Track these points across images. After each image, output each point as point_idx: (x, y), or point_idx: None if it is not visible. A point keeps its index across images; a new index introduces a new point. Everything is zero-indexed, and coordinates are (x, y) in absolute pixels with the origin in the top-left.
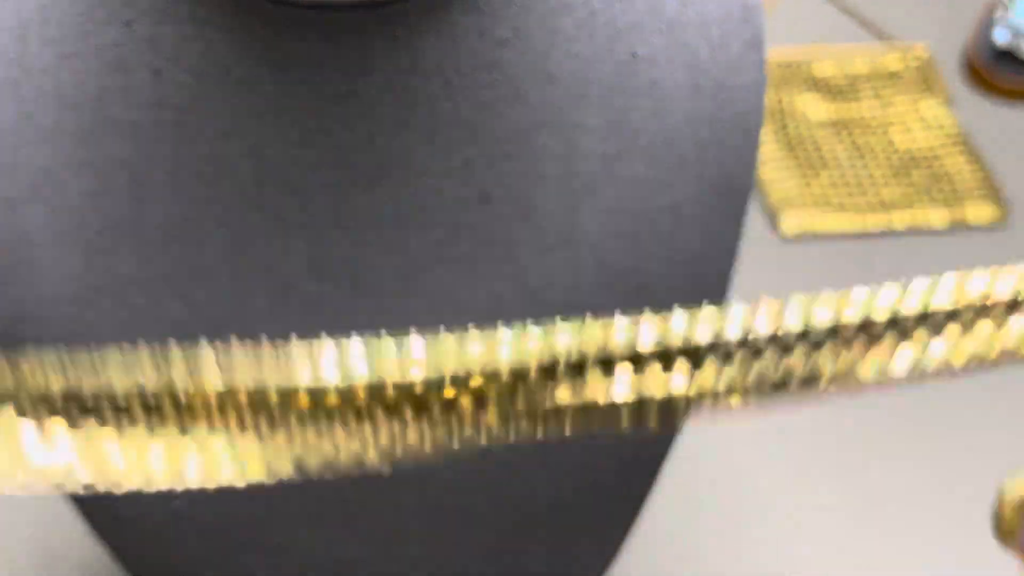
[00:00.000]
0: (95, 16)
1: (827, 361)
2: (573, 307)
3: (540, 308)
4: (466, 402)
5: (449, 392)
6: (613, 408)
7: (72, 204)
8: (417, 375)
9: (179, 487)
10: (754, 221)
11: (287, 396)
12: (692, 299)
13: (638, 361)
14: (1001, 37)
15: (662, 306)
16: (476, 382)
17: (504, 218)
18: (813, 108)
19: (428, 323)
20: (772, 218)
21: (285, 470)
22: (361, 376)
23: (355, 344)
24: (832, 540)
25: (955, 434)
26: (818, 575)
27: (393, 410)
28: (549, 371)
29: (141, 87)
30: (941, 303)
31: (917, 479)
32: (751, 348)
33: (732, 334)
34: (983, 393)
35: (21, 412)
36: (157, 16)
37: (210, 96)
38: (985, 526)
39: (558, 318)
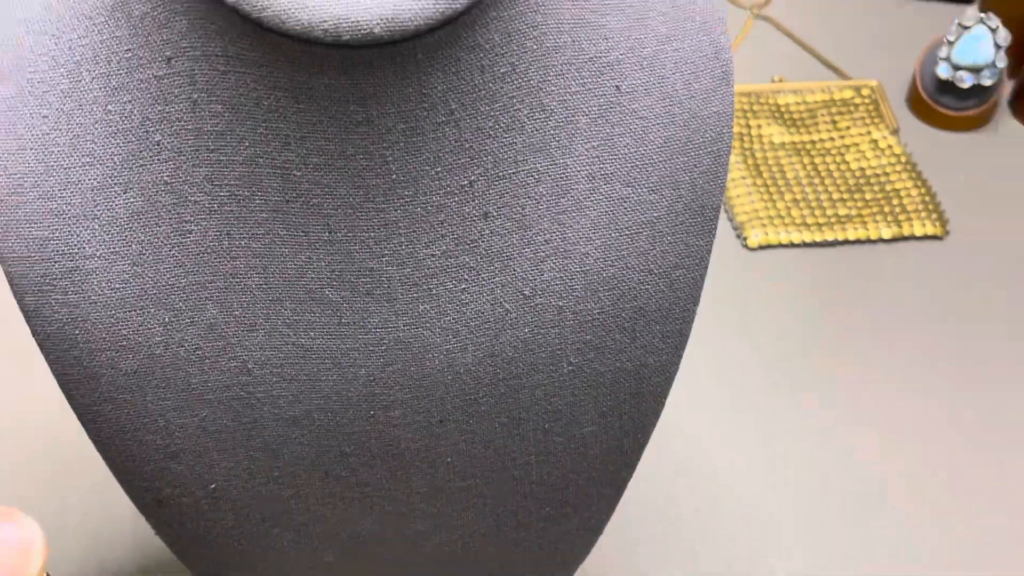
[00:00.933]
0: (139, 54)
1: None
2: (562, 311)
3: (533, 312)
4: None
5: None
6: None
7: (120, 220)
8: None
9: None
10: (723, 235)
11: None
12: (667, 305)
13: None
14: (943, 71)
15: (640, 311)
16: None
17: (502, 233)
18: (776, 135)
19: (435, 326)
20: (739, 232)
21: None
22: None
23: None
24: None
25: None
26: (796, 567)
27: None
28: None
29: (180, 116)
30: None
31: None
32: None
33: None
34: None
35: None
36: (194, 54)
37: (242, 124)
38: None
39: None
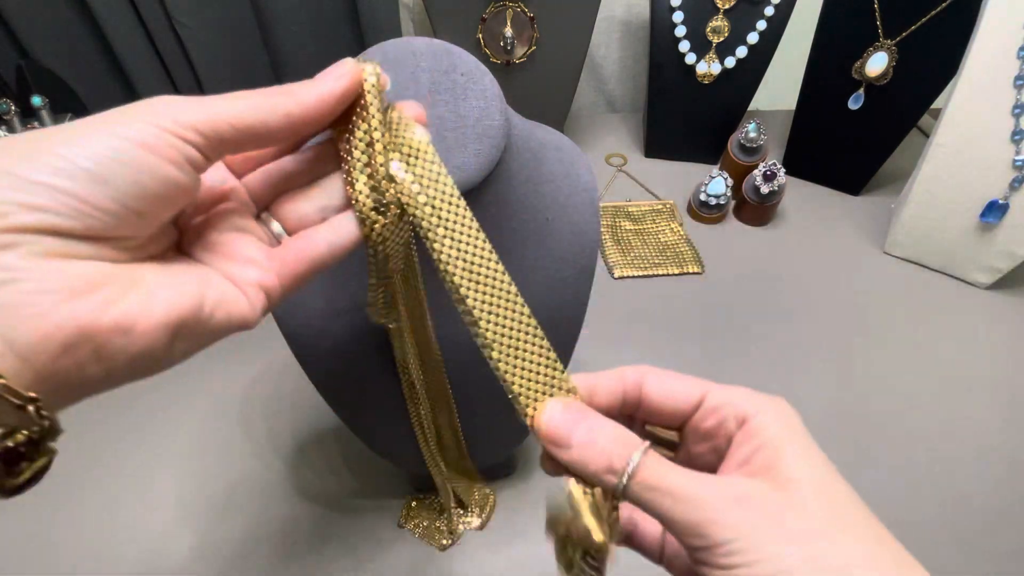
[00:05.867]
0: None
1: None
2: None
3: None
4: None
5: None
6: None
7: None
8: None
9: None
10: (600, 273)
11: None
12: (570, 314)
13: None
14: (703, 197)
15: (559, 321)
16: None
17: None
18: (627, 225)
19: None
20: (610, 270)
21: None
22: None
23: None
24: None
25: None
26: None
27: None
28: None
29: None
30: None
31: None
32: None
33: None
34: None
35: None
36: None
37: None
38: None
39: None
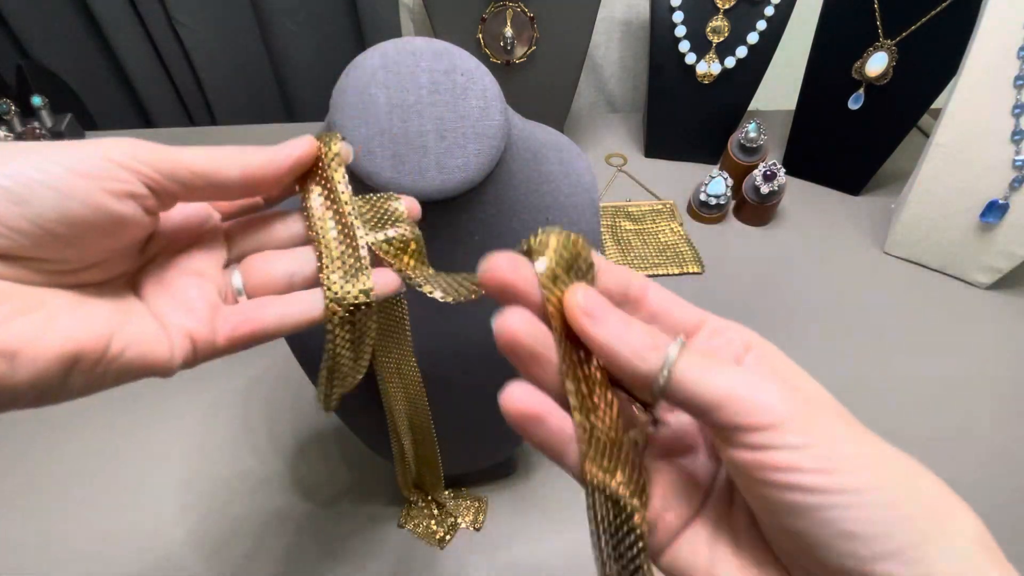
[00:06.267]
0: None
1: None
2: None
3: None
4: None
5: None
6: None
7: None
8: None
9: None
10: None
11: None
12: None
13: None
14: (703, 197)
15: None
16: None
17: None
18: (627, 225)
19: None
20: None
21: None
22: None
23: None
24: None
25: None
26: None
27: None
28: None
29: None
30: None
31: None
32: None
33: None
34: None
35: None
36: None
37: None
38: None
39: None
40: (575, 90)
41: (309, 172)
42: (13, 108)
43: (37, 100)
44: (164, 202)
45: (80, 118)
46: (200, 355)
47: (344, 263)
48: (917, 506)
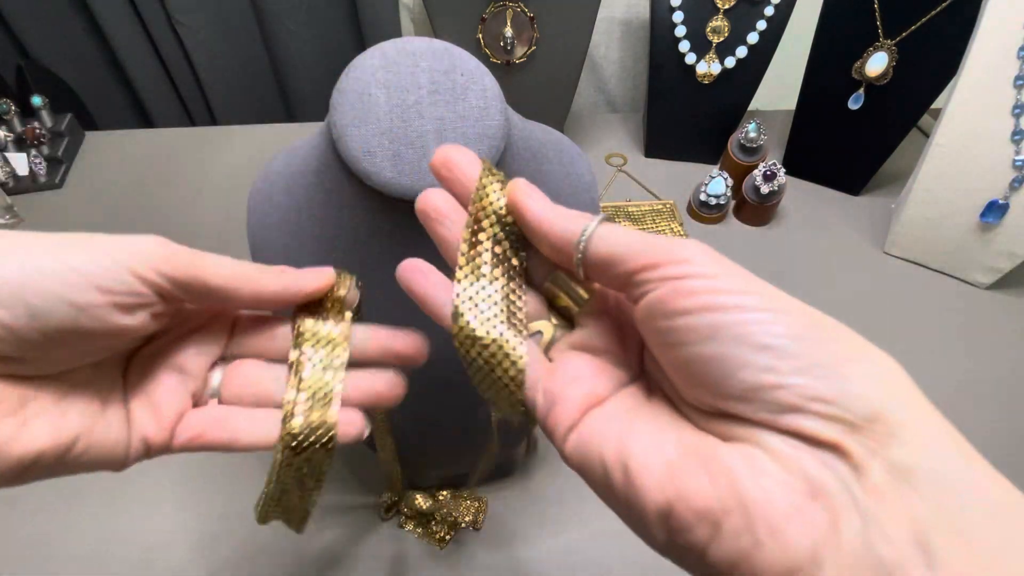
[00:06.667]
0: (328, 200)
1: None
2: None
3: None
4: None
5: None
6: None
7: (304, 243)
8: None
9: None
10: None
11: None
12: None
13: None
14: (703, 197)
15: None
16: None
17: None
18: (626, 226)
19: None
20: None
21: None
22: None
23: None
24: None
25: None
26: None
27: None
28: None
29: (337, 227)
30: None
31: None
32: None
33: None
34: None
35: None
36: (352, 203)
37: (366, 234)
38: None
39: None
40: (575, 90)
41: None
42: (13, 108)
43: (37, 100)
44: (171, 307)
45: (80, 118)
46: (153, 455)
47: (313, 394)
48: (834, 332)
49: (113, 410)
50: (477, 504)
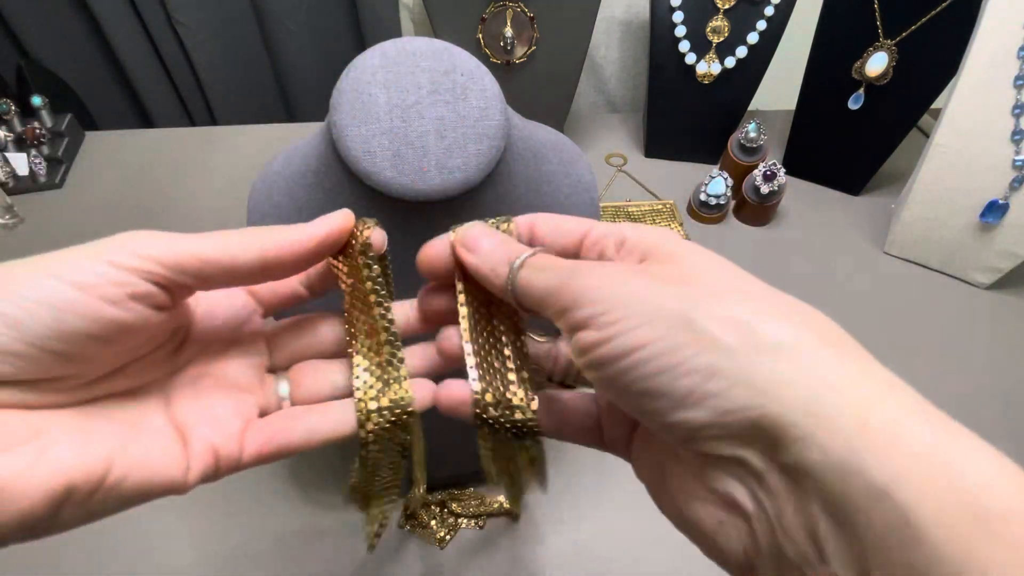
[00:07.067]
0: (328, 201)
1: None
2: None
3: None
4: None
5: None
6: None
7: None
8: None
9: None
10: None
11: None
12: None
13: None
14: (703, 197)
15: None
16: None
17: None
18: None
19: None
20: None
21: None
22: None
23: None
24: None
25: None
26: None
27: None
28: None
29: None
30: None
31: None
32: None
33: None
34: None
35: None
36: (353, 205)
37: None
38: None
39: None
40: (575, 90)
41: (350, 265)
42: (13, 108)
43: (37, 100)
44: (177, 295)
45: (80, 118)
46: (223, 471)
47: (379, 371)
48: (697, 343)
49: (151, 428)
50: (480, 500)
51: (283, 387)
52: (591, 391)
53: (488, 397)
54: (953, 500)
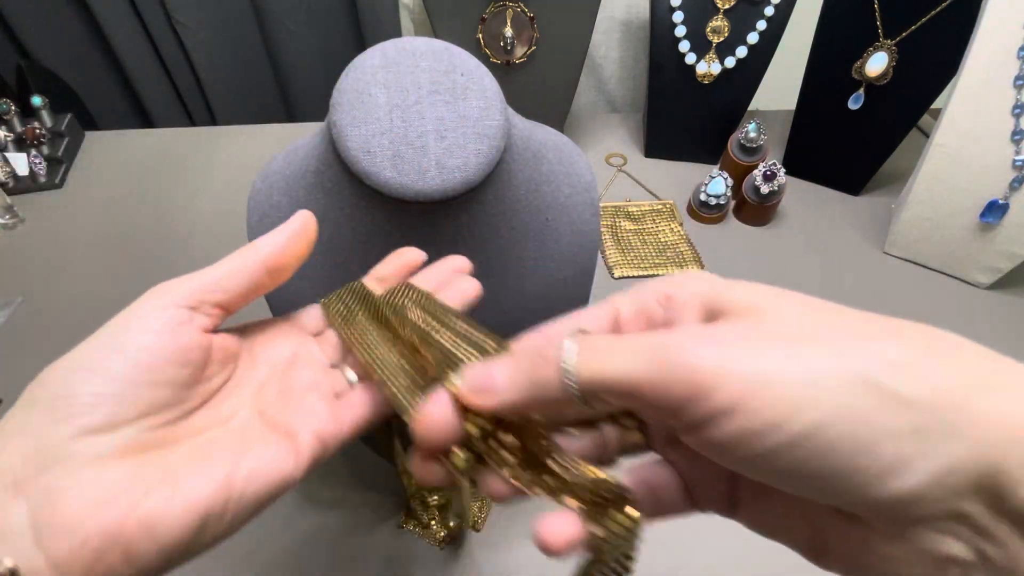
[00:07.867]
0: (327, 201)
1: None
2: (523, 319)
3: (509, 316)
4: None
5: None
6: None
7: (316, 252)
8: None
9: None
10: (600, 273)
11: None
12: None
13: None
14: (703, 197)
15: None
16: None
17: (496, 282)
18: (627, 225)
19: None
20: (610, 270)
21: None
22: None
23: None
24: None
25: None
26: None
27: None
28: None
29: (338, 227)
30: None
31: None
32: None
33: None
34: None
35: None
36: (353, 202)
37: (365, 234)
38: None
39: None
40: (575, 90)
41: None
42: (13, 108)
43: (37, 100)
44: (213, 319)
45: (80, 118)
46: (329, 451)
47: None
48: (886, 404)
49: (254, 439)
50: (477, 504)
51: (350, 374)
52: (646, 458)
53: (599, 532)
54: None
